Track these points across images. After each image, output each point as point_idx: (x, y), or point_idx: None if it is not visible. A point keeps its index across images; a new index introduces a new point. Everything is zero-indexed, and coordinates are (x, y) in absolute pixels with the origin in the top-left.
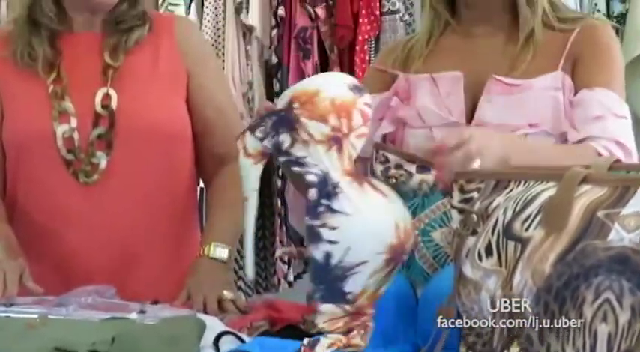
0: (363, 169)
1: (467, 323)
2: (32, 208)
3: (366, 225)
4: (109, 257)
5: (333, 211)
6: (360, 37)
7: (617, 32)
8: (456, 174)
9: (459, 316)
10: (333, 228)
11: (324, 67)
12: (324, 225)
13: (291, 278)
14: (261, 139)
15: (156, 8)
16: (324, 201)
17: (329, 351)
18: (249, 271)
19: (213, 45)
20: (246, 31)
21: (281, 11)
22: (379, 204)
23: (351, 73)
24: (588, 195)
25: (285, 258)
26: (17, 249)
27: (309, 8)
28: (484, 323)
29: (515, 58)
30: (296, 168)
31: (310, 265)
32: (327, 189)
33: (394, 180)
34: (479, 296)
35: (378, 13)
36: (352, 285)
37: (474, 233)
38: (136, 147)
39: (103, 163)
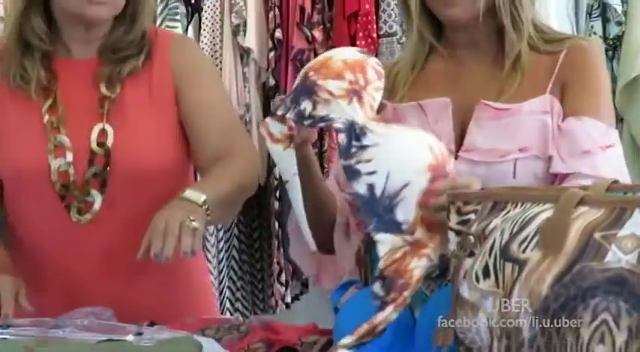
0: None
1: (464, 344)
2: (30, 238)
3: (399, 147)
4: (110, 282)
5: (364, 147)
6: None
7: (613, 54)
8: (452, 195)
9: (457, 337)
10: (368, 161)
11: None
12: (359, 162)
13: (288, 299)
14: (284, 115)
15: None
16: (354, 143)
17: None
18: (312, 245)
19: None
20: (244, 54)
21: (278, 34)
22: (408, 132)
23: None
24: (585, 217)
25: (283, 280)
26: (12, 271)
27: (307, 31)
28: (481, 344)
29: (503, 83)
30: (322, 124)
31: (358, 202)
32: (355, 132)
33: None
34: (476, 317)
35: (375, 35)
36: (403, 213)
37: (472, 254)
38: (131, 187)
39: (98, 203)
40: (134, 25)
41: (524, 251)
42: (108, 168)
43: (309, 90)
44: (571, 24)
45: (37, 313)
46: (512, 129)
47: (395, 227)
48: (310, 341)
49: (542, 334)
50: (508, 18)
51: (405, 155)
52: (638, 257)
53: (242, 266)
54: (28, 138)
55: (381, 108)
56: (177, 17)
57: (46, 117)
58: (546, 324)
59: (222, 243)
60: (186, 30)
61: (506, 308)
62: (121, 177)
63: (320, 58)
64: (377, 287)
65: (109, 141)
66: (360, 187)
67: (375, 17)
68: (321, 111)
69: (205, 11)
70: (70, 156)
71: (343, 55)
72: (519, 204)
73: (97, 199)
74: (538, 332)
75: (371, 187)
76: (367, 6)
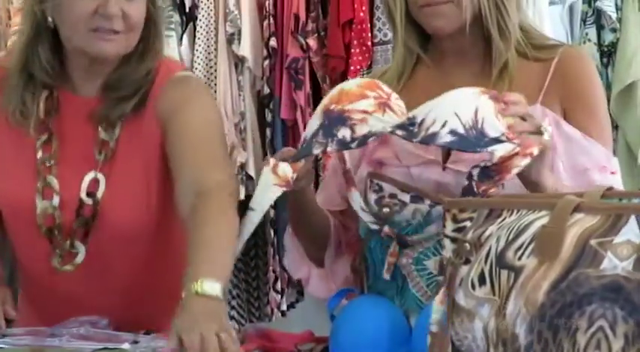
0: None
1: (460, 351)
2: (24, 267)
3: (446, 95)
4: (110, 304)
5: (422, 121)
6: (352, 68)
7: (608, 61)
8: (448, 202)
9: (453, 345)
10: (433, 122)
11: (316, 97)
12: (427, 129)
13: (284, 307)
14: (323, 151)
15: None
16: (411, 128)
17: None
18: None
19: (205, 75)
20: (238, 62)
21: (273, 42)
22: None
23: None
24: (581, 224)
25: (279, 288)
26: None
27: (301, 39)
28: (478, 351)
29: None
30: (369, 141)
31: (454, 142)
32: (406, 124)
33: (388, 210)
34: (472, 324)
35: (369, 43)
36: (493, 129)
37: (467, 262)
38: (117, 241)
39: (81, 255)
40: (141, 63)
41: (520, 258)
42: (94, 220)
43: (339, 118)
44: (565, 31)
45: (35, 322)
46: None
47: (498, 143)
48: (306, 349)
49: (538, 341)
50: (494, 26)
51: (455, 95)
52: (634, 263)
53: (237, 275)
54: (20, 173)
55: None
56: (172, 26)
57: (40, 154)
58: (542, 331)
59: None
60: (180, 38)
61: (502, 315)
62: (106, 231)
63: (332, 92)
64: (475, 171)
65: (100, 193)
66: (446, 139)
67: (369, 25)
68: (361, 131)
69: (200, 20)
70: (56, 200)
71: (352, 83)
72: (515, 212)
73: (81, 250)
74: (534, 339)
75: (453, 132)
76: (362, 14)
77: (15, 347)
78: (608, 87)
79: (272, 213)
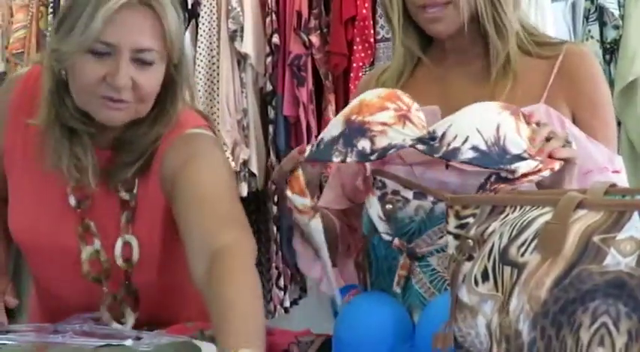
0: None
1: (464, 348)
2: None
3: (466, 111)
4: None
5: (443, 135)
6: (354, 65)
7: (610, 58)
8: (450, 199)
9: (456, 341)
10: (455, 137)
11: (318, 94)
12: (449, 144)
13: (287, 304)
14: (343, 161)
15: None
16: (432, 143)
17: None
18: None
19: (207, 72)
20: (241, 59)
21: (275, 39)
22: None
23: (346, 100)
24: (584, 220)
25: (282, 285)
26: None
27: (304, 36)
28: (481, 347)
29: (493, 88)
30: (389, 154)
31: (477, 158)
32: (426, 138)
33: (391, 206)
34: (475, 321)
35: (372, 40)
36: (515, 146)
37: (470, 258)
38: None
39: (130, 322)
40: (152, 128)
41: (523, 254)
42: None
43: (359, 130)
44: (568, 28)
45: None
46: None
47: (520, 160)
48: (307, 341)
49: (541, 337)
50: (491, 24)
51: (477, 109)
52: (637, 260)
53: None
54: (57, 217)
55: None
56: None
57: (72, 199)
58: (546, 327)
59: None
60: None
61: (505, 311)
62: (143, 286)
63: (353, 103)
64: (494, 177)
65: (135, 256)
66: (468, 155)
67: (372, 22)
68: (380, 143)
69: (202, 17)
70: (97, 244)
71: (372, 93)
72: (518, 208)
73: (130, 319)
74: (538, 335)
75: (475, 148)
76: (364, 11)
77: (19, 343)
78: (610, 84)
79: (274, 210)
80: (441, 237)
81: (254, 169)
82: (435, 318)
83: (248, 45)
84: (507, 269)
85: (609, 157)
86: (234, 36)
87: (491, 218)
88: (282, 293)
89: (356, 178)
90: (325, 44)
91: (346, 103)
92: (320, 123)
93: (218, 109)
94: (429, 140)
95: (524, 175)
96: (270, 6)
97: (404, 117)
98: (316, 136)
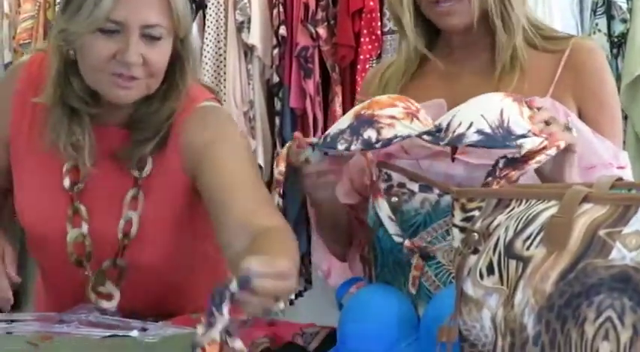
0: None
1: (468, 341)
2: (50, 282)
3: (470, 100)
4: (134, 304)
5: (448, 125)
6: (361, 57)
7: (618, 52)
8: (456, 192)
9: (461, 334)
10: (460, 124)
11: (325, 86)
12: (454, 131)
13: (292, 296)
14: (347, 148)
15: None
16: (438, 134)
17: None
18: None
19: (214, 64)
20: (248, 51)
21: (282, 31)
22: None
23: (353, 92)
24: (590, 214)
25: None
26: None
27: (311, 28)
28: (486, 341)
29: (499, 82)
30: (393, 143)
31: (482, 141)
32: (433, 130)
33: (396, 199)
34: (480, 314)
35: (379, 32)
36: (519, 127)
37: (476, 251)
38: (149, 276)
39: (116, 298)
40: (164, 103)
41: (528, 248)
42: (126, 259)
43: (368, 121)
44: (575, 21)
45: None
46: None
47: (524, 138)
48: (311, 332)
49: (546, 331)
50: (499, 18)
51: (480, 99)
52: None
53: None
54: (49, 199)
55: None
56: None
57: (67, 181)
58: (551, 321)
59: None
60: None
61: (510, 305)
62: (139, 269)
63: (363, 103)
64: (502, 161)
65: (133, 232)
66: (473, 138)
67: (379, 14)
68: (387, 134)
69: (209, 8)
70: (85, 228)
71: (383, 96)
72: (523, 201)
73: (116, 293)
74: (542, 329)
75: (480, 132)
76: (371, 3)
77: (23, 332)
78: (617, 78)
79: (280, 202)
80: (447, 230)
81: (260, 161)
82: (440, 311)
83: (255, 36)
84: (513, 263)
85: (614, 153)
86: (241, 27)
87: (496, 211)
88: None
89: (363, 174)
90: (332, 36)
91: (353, 95)
92: (326, 116)
93: (224, 101)
94: (436, 132)
95: (531, 155)
96: None
97: (412, 115)
98: (322, 128)
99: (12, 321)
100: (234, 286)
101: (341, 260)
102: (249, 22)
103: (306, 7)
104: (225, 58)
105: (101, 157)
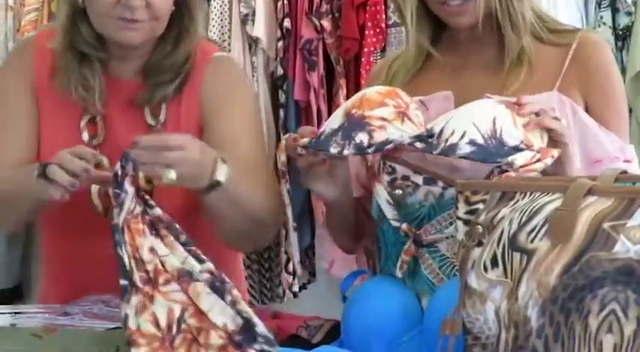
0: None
1: (472, 334)
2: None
3: (461, 108)
4: None
5: (440, 131)
6: (365, 49)
7: (623, 45)
8: (460, 185)
9: (465, 327)
10: (452, 133)
11: (329, 78)
12: (446, 140)
13: (296, 288)
14: (340, 153)
15: None
16: (430, 140)
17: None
18: None
19: None
20: (252, 43)
21: (287, 23)
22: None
23: (357, 85)
24: (594, 207)
25: (290, 269)
26: None
27: (315, 20)
28: (489, 333)
29: (507, 75)
30: (385, 148)
31: (475, 161)
32: (424, 135)
33: (400, 191)
34: (484, 307)
35: (383, 25)
36: (511, 138)
37: (480, 244)
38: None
39: None
40: (177, 47)
41: (532, 241)
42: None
43: (358, 123)
44: (580, 14)
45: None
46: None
47: (518, 151)
48: (315, 325)
49: (550, 324)
50: (506, 18)
51: (472, 106)
52: None
53: (250, 256)
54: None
55: None
56: None
57: (85, 134)
58: (554, 314)
59: None
60: None
61: (514, 298)
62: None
63: (354, 98)
64: (497, 171)
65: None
66: (465, 150)
67: (383, 7)
68: (379, 137)
69: (214, 0)
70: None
71: (373, 89)
72: (528, 194)
73: None
74: (546, 321)
75: (472, 143)
76: None
77: (28, 324)
78: (622, 71)
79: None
80: (451, 223)
81: None
82: (443, 304)
83: (259, 29)
84: (517, 256)
85: (620, 146)
86: (245, 20)
87: (501, 204)
88: (291, 277)
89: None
90: (337, 29)
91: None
92: (330, 108)
93: None
94: (428, 137)
95: (524, 166)
96: None
97: (403, 114)
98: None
99: (16, 313)
100: (124, 161)
101: (347, 253)
102: (253, 14)
103: None
104: (229, 51)
105: (117, 108)
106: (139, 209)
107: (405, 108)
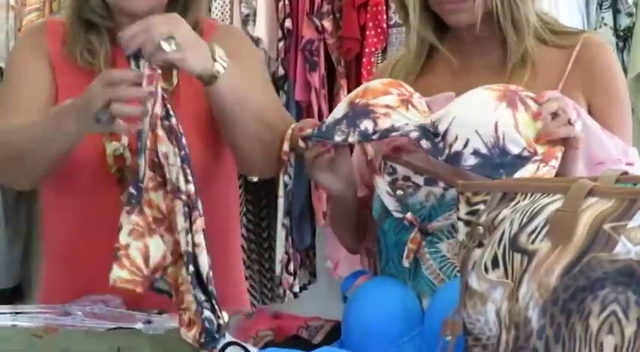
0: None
1: (473, 334)
2: (71, 212)
3: (464, 110)
4: None
5: (445, 133)
6: (366, 50)
7: (624, 46)
8: (461, 185)
9: (465, 328)
10: (456, 139)
11: (330, 79)
12: (450, 146)
13: (296, 289)
14: (344, 140)
15: None
16: (436, 140)
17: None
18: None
19: None
20: (253, 43)
21: (288, 23)
22: (458, 99)
23: (358, 85)
24: (595, 208)
25: (292, 270)
26: None
27: (316, 21)
28: (490, 334)
29: (510, 77)
30: (391, 135)
31: (479, 173)
32: (430, 131)
33: (401, 192)
34: (485, 308)
35: (384, 25)
36: (515, 145)
37: (480, 245)
38: None
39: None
40: (186, 15)
41: (533, 242)
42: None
43: (363, 111)
44: (581, 15)
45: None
46: None
47: (521, 160)
48: (316, 325)
49: (551, 325)
50: (508, 21)
51: (473, 106)
52: None
53: (250, 256)
54: None
55: None
56: None
57: None
58: (555, 315)
59: None
60: None
61: (515, 298)
62: None
63: (357, 90)
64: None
65: None
66: (470, 161)
67: (384, 7)
68: (384, 124)
69: (215, 1)
70: (125, 140)
71: (376, 81)
72: (529, 195)
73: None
74: (547, 322)
75: (476, 153)
76: None
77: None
78: (623, 71)
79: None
80: (452, 223)
81: None
82: (444, 305)
83: (260, 29)
84: (517, 257)
85: (623, 149)
86: (246, 20)
87: (501, 205)
88: (292, 278)
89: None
90: (338, 29)
91: None
92: (331, 109)
93: None
94: (432, 134)
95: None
96: None
97: (407, 102)
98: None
99: (17, 313)
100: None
101: (351, 252)
102: (254, 14)
103: (312, 0)
104: None
105: None
106: (162, 112)
107: (409, 96)
